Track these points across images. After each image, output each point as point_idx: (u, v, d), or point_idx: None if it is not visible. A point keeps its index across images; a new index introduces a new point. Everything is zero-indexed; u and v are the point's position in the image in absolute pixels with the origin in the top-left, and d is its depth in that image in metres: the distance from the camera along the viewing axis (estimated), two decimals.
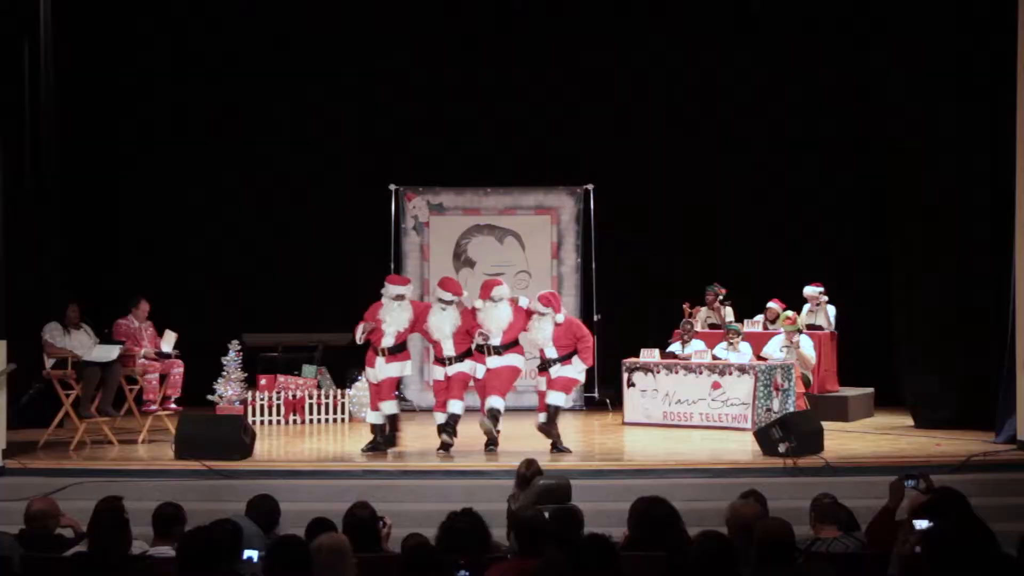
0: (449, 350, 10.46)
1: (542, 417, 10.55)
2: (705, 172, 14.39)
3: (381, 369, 10.52)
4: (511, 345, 10.51)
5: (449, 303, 10.45)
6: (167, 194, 14.25)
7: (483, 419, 10.36)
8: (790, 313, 12.73)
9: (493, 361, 10.46)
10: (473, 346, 10.51)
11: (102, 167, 14.02)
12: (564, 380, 10.56)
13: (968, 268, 11.48)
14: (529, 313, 10.59)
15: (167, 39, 14.06)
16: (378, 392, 10.59)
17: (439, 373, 10.61)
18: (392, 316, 10.43)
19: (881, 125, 12.45)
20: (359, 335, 10.52)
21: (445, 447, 10.35)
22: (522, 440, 10.76)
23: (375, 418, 10.62)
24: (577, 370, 10.60)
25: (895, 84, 11.93)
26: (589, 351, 10.60)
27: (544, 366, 10.60)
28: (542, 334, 10.46)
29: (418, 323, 10.53)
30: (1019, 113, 10.38)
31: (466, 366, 10.51)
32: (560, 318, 10.55)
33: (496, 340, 10.44)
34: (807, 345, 12.54)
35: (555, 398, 10.50)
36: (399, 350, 10.55)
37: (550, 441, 10.47)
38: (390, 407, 10.61)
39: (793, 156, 14.38)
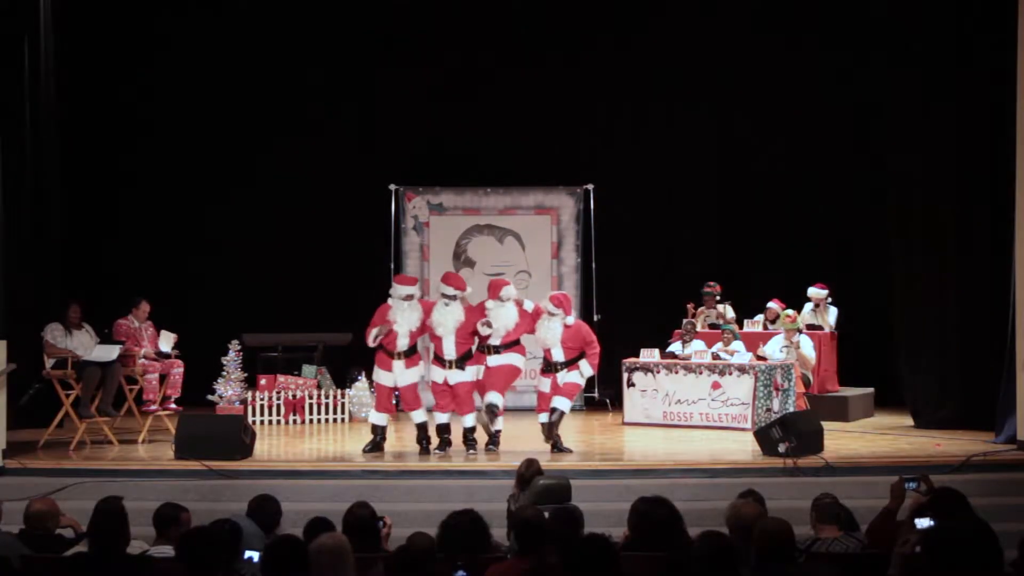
0: (450, 348, 10.39)
1: (544, 417, 10.55)
2: (705, 172, 14.40)
3: (402, 375, 10.47)
4: (511, 345, 10.49)
5: (452, 298, 10.40)
6: (167, 194, 14.24)
7: (479, 414, 10.40)
8: (790, 312, 12.72)
9: (492, 360, 10.44)
10: (475, 340, 10.45)
11: (102, 167, 14.02)
12: (570, 386, 10.56)
13: (968, 268, 11.47)
14: (534, 317, 10.55)
15: (167, 38, 14.05)
16: (387, 396, 10.53)
17: (439, 375, 10.52)
18: (404, 316, 10.37)
19: (881, 125, 12.45)
20: (373, 339, 10.43)
21: (443, 446, 10.46)
22: (522, 440, 10.77)
23: (378, 419, 10.57)
24: (582, 375, 10.59)
25: (895, 84, 11.92)
26: (596, 357, 10.59)
27: (549, 368, 10.56)
28: (552, 334, 10.42)
29: (427, 321, 10.52)
30: (1019, 113, 10.39)
31: (468, 375, 10.48)
32: (570, 320, 10.55)
33: (497, 340, 10.41)
34: (807, 345, 12.53)
35: (561, 403, 10.49)
36: (413, 352, 10.53)
37: (551, 442, 10.50)
38: (420, 415, 10.57)
39: (793, 155, 14.37)
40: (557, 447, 10.41)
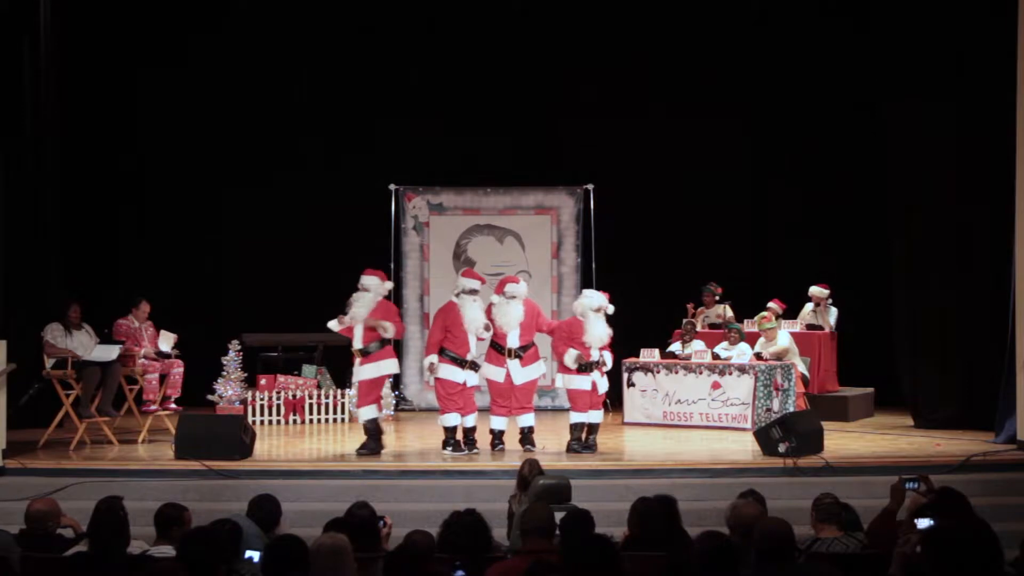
0: (474, 348, 10.29)
1: (578, 418, 10.43)
2: (705, 172, 14.39)
3: (357, 371, 10.43)
4: (529, 347, 10.44)
5: (475, 292, 10.30)
6: (167, 194, 14.24)
7: (527, 447, 10.38)
8: (767, 311, 12.64)
9: (515, 368, 10.33)
10: (483, 338, 10.33)
11: (102, 167, 14.01)
12: (602, 395, 10.64)
13: (968, 268, 11.48)
14: (550, 324, 10.57)
15: (168, 38, 14.04)
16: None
17: (458, 376, 10.24)
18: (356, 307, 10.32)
19: (882, 124, 12.45)
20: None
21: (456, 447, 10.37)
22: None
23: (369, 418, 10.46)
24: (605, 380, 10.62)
25: (896, 83, 11.92)
26: (611, 355, 10.67)
27: (588, 368, 10.36)
28: (600, 331, 10.32)
29: (390, 316, 10.37)
30: (1019, 112, 10.39)
31: (478, 377, 10.41)
32: (610, 309, 10.52)
33: (515, 340, 10.34)
34: (784, 338, 12.44)
35: (598, 416, 10.52)
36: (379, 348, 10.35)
37: (568, 438, 10.44)
38: (370, 412, 10.38)
39: (794, 156, 14.38)
40: (584, 447, 10.36)
